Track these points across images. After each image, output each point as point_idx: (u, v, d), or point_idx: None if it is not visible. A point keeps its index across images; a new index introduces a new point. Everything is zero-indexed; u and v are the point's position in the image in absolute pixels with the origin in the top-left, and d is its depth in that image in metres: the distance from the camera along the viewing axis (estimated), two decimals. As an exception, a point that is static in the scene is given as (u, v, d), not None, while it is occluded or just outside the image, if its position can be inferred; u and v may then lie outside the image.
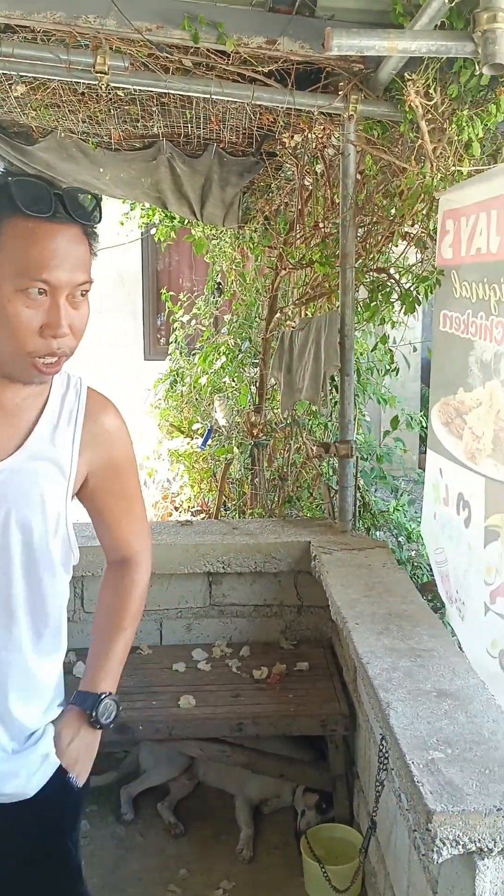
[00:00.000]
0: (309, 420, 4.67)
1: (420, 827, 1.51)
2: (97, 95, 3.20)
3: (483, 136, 2.74)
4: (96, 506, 1.58)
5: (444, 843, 1.45)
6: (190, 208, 4.07)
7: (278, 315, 4.53)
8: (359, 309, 3.50)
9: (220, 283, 5.81)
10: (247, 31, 2.76)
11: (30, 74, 2.97)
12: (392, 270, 3.47)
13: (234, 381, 5.47)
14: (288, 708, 2.75)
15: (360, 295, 3.55)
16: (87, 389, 1.52)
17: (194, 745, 2.83)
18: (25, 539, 1.40)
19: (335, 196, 3.46)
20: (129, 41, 2.77)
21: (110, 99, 3.24)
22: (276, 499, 4.63)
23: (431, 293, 3.02)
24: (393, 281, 3.43)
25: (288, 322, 4.41)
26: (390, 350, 4.33)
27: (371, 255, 3.54)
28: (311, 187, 3.84)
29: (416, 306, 3.27)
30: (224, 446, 5.28)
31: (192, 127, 3.41)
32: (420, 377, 7.96)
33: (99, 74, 2.79)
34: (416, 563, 4.45)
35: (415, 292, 3.22)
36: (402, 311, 3.35)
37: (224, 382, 5.60)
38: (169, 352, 6.69)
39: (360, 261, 3.43)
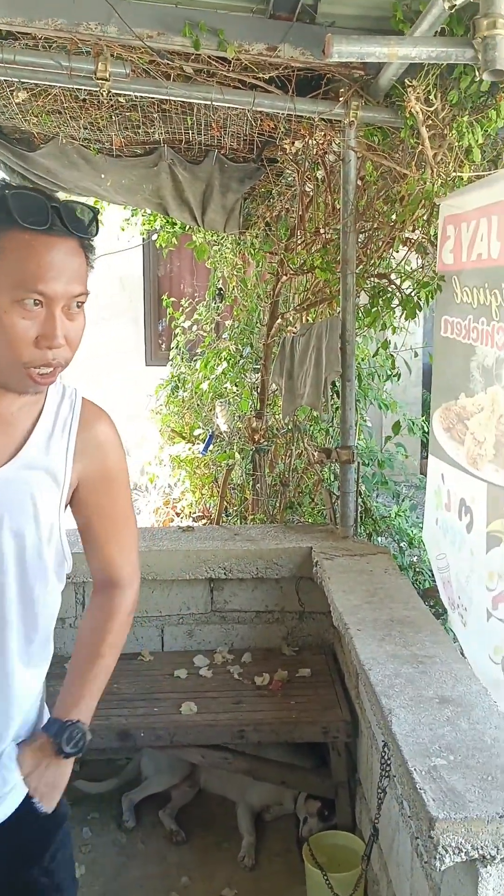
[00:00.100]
0: (310, 425, 4.67)
1: (422, 834, 1.50)
2: (98, 102, 3.22)
3: (483, 142, 2.74)
4: (85, 520, 1.56)
5: (446, 851, 1.44)
6: (191, 214, 4.08)
7: (279, 321, 4.54)
8: (360, 314, 3.50)
9: (221, 289, 5.82)
10: (247, 38, 2.77)
11: (31, 81, 2.99)
12: (393, 276, 3.48)
13: (235, 386, 5.48)
14: (290, 715, 2.74)
15: (361, 300, 3.56)
16: (81, 399, 1.52)
17: (196, 751, 2.82)
18: (18, 547, 1.40)
19: (336, 202, 3.47)
20: (131, 48, 2.78)
21: (111, 105, 3.25)
22: (278, 504, 4.63)
23: (432, 298, 3.02)
24: (394, 286, 3.43)
25: (289, 328, 4.42)
26: (391, 355, 4.33)
27: (372, 261, 3.55)
28: (311, 193, 3.85)
29: (417, 312, 3.27)
30: (225, 452, 5.29)
31: (193, 133, 3.42)
32: (421, 382, 7.96)
33: (100, 81, 2.80)
34: (417, 569, 4.44)
35: (416, 298, 3.23)
36: (403, 316, 3.35)
37: (225, 388, 5.61)
38: (170, 357, 6.70)
39: (361, 266, 3.44)
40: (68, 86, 2.97)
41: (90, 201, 4.85)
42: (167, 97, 3.01)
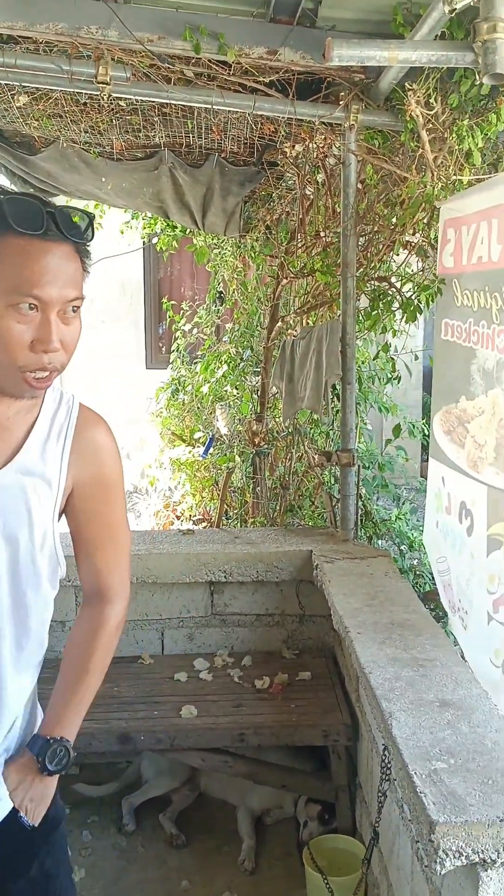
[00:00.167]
0: (310, 429, 4.67)
1: (423, 838, 1.50)
2: (99, 106, 3.22)
3: (483, 146, 2.75)
4: (77, 527, 1.55)
5: (446, 855, 1.44)
6: (191, 217, 4.08)
7: (280, 324, 4.54)
8: (360, 318, 3.50)
9: (221, 292, 5.82)
10: (248, 42, 2.78)
11: (32, 85, 2.99)
12: (393, 279, 3.48)
13: (235, 389, 5.48)
14: (290, 718, 2.74)
15: (362, 304, 3.56)
16: (79, 406, 1.52)
17: (196, 755, 2.82)
18: (11, 552, 1.40)
19: (336, 205, 3.47)
20: (131, 52, 2.78)
21: (112, 109, 3.26)
22: (278, 507, 4.63)
23: (433, 302, 3.03)
24: (394, 290, 3.43)
25: (289, 331, 4.42)
26: (392, 358, 4.33)
27: (372, 264, 3.55)
28: (312, 196, 3.86)
29: (418, 315, 3.28)
30: (226, 455, 5.28)
31: (193, 137, 3.42)
32: (422, 385, 7.97)
33: (101, 85, 2.81)
34: (418, 572, 4.44)
35: (416, 301, 3.23)
36: (404, 319, 3.35)
37: (226, 391, 5.61)
38: (170, 360, 6.70)
39: (362, 270, 3.44)
40: (69, 89, 2.98)
41: (91, 205, 4.86)
42: (168, 101, 3.02)
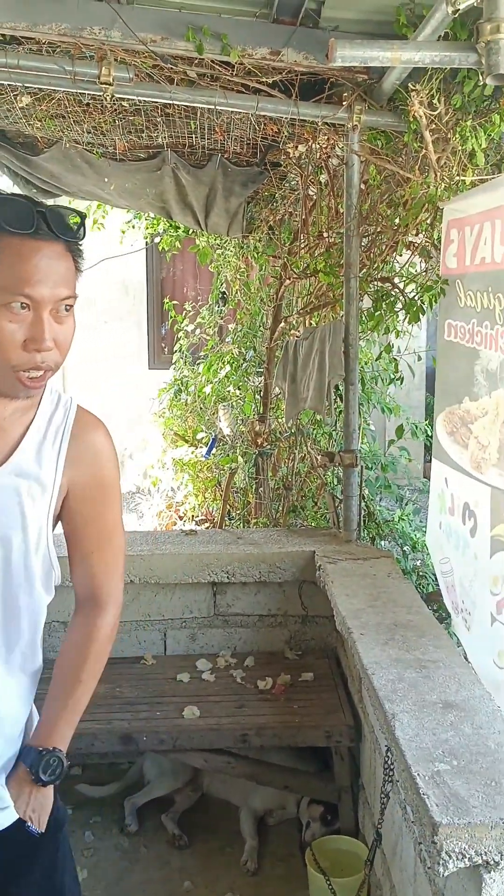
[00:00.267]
0: (313, 429, 4.67)
1: (426, 839, 1.49)
2: (102, 106, 3.22)
3: (487, 146, 2.74)
4: (72, 530, 1.54)
5: (450, 856, 1.44)
6: (194, 218, 4.08)
7: (282, 324, 4.54)
8: (363, 318, 3.50)
9: (224, 293, 5.83)
10: (251, 42, 2.78)
11: (35, 85, 2.99)
12: (396, 280, 3.48)
13: (238, 390, 5.48)
14: (293, 719, 2.73)
15: (365, 304, 3.56)
16: (76, 408, 1.51)
17: (198, 756, 2.82)
18: (4, 554, 1.40)
19: (339, 205, 3.47)
20: (134, 52, 2.78)
21: (115, 110, 3.26)
22: (281, 508, 4.63)
23: (436, 302, 3.02)
24: (397, 290, 3.43)
25: (292, 331, 4.42)
26: (394, 359, 4.32)
27: (375, 265, 3.55)
28: (315, 197, 3.85)
29: (421, 315, 3.27)
30: (228, 455, 5.28)
31: (196, 137, 3.42)
32: (425, 386, 7.96)
33: (104, 85, 2.81)
34: (421, 573, 4.43)
35: (419, 301, 3.23)
36: (407, 320, 3.35)
37: (228, 391, 5.61)
38: (173, 361, 6.70)
39: (365, 270, 3.44)
40: (72, 90, 2.98)
41: (94, 205, 4.87)
42: (171, 101, 3.02)
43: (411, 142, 2.89)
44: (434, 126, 2.70)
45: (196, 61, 2.84)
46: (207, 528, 5.37)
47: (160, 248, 5.61)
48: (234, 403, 5.50)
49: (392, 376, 4.52)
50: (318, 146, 3.27)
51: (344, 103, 2.95)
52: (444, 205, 2.78)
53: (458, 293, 2.69)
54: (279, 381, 4.05)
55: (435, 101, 2.65)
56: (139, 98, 3.06)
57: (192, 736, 2.69)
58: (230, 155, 3.61)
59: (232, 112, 3.15)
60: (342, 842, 2.65)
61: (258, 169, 3.69)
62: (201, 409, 6.21)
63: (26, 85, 3.00)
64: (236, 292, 5.56)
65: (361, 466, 3.40)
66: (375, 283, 3.53)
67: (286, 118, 3.10)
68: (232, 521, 4.99)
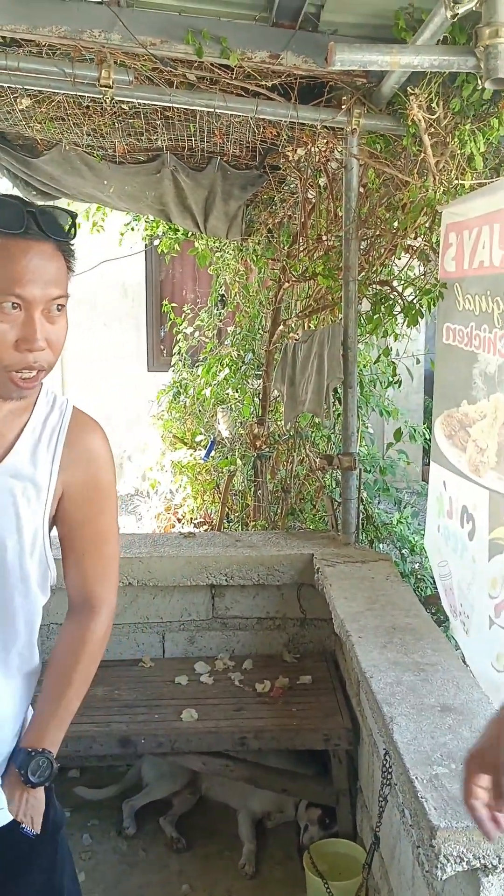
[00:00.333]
0: (312, 432, 4.67)
1: (424, 843, 1.49)
2: (102, 109, 3.23)
3: (485, 150, 2.75)
4: (67, 532, 1.53)
5: (448, 860, 1.44)
6: (193, 221, 4.09)
7: (281, 327, 4.54)
8: (362, 321, 3.51)
9: (223, 295, 5.83)
10: (250, 46, 2.79)
11: (35, 88, 3.00)
12: (395, 283, 3.48)
13: (237, 392, 5.48)
14: (291, 722, 2.73)
15: (363, 307, 3.56)
16: (72, 409, 1.51)
17: (197, 759, 2.81)
18: None
19: (338, 209, 3.47)
20: (134, 55, 2.79)
21: (115, 112, 3.26)
22: (279, 511, 4.63)
23: (434, 306, 3.03)
24: (396, 293, 3.44)
25: (291, 334, 4.42)
26: (393, 362, 4.33)
27: (374, 268, 3.56)
28: (314, 200, 3.86)
29: (419, 319, 3.28)
30: (227, 458, 5.28)
31: (195, 140, 3.42)
32: (423, 389, 7.96)
33: (103, 88, 2.82)
34: (419, 576, 4.43)
35: (418, 305, 3.23)
36: (405, 323, 3.35)
37: (227, 394, 5.61)
38: (172, 363, 6.70)
39: (363, 273, 3.44)
40: (72, 93, 2.99)
41: (93, 208, 4.87)
42: (170, 104, 3.02)
43: (410, 145, 2.89)
44: (433, 130, 2.71)
45: (195, 64, 2.85)
46: (206, 530, 5.36)
47: (159, 251, 5.61)
48: (232, 406, 5.50)
49: (391, 379, 4.52)
50: (317, 149, 3.28)
51: (343, 107, 2.95)
52: (443, 208, 2.79)
53: (457, 297, 2.70)
54: (278, 383, 4.06)
55: (434, 104, 2.66)
56: (139, 101, 3.06)
57: (190, 739, 2.69)
58: (229, 158, 3.61)
59: (231, 115, 3.16)
60: (340, 845, 2.65)
61: (257, 172, 3.69)
62: (200, 411, 6.21)
63: (26, 87, 3.01)
64: (235, 295, 5.57)
65: (360, 469, 3.40)
66: (374, 286, 3.53)
67: (285, 121, 3.10)
68: (230, 524, 4.99)
